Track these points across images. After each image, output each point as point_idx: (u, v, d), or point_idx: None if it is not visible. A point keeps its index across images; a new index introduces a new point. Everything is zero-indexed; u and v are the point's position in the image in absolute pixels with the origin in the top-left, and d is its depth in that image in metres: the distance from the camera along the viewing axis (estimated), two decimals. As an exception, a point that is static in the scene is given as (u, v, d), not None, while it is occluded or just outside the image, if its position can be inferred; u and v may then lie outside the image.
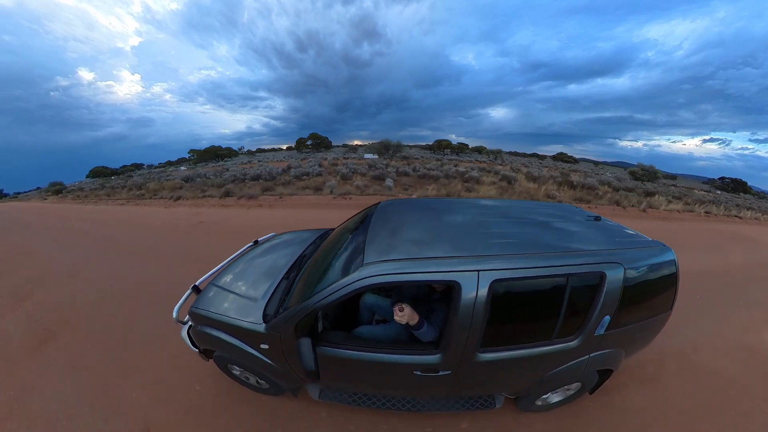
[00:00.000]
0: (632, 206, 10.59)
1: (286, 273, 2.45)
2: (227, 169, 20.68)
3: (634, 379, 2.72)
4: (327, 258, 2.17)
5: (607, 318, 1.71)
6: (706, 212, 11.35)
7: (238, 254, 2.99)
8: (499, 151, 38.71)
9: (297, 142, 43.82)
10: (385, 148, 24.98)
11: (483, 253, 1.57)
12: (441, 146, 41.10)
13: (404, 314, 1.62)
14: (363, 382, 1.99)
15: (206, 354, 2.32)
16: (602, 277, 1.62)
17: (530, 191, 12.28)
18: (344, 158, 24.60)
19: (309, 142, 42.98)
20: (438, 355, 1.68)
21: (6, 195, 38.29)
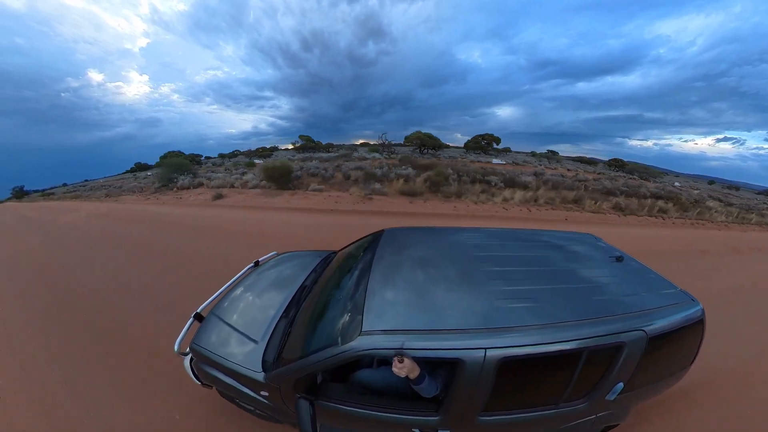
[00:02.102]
0: None
1: (285, 310, 2.42)
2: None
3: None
4: (325, 304, 2.12)
5: (621, 385, 1.60)
6: None
7: (239, 277, 2.97)
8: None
9: (473, 139, 36.67)
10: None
11: (491, 325, 1.45)
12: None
13: (404, 366, 1.50)
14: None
15: (208, 385, 2.33)
16: (622, 346, 1.47)
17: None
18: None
19: (484, 142, 36.30)
20: (437, 418, 1.63)
21: (27, 192, 34.77)
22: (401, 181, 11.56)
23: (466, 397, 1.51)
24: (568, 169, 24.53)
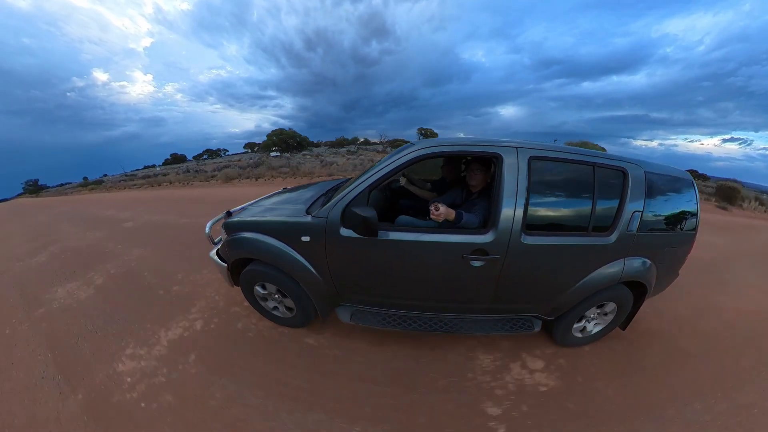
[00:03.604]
0: None
1: (325, 193, 2.53)
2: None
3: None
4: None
5: (637, 215, 1.85)
6: None
7: (269, 195, 3.11)
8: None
9: (577, 145, 33.14)
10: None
11: (521, 141, 1.83)
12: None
13: (440, 213, 1.69)
14: (406, 277, 1.94)
15: (233, 278, 2.32)
16: (625, 173, 1.85)
17: None
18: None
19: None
20: (488, 233, 1.75)
21: (43, 187, 31.90)
22: None
23: (509, 198, 1.72)
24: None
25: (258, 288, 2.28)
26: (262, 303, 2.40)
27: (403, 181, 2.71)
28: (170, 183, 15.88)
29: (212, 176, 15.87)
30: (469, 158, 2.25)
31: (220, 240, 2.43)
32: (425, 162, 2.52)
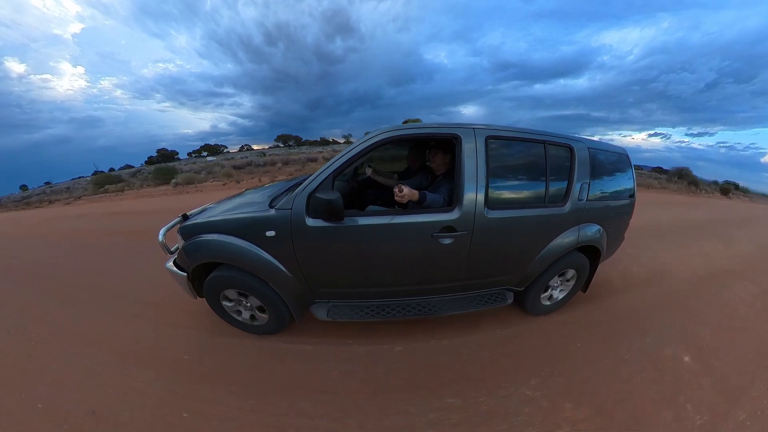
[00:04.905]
0: None
1: (289, 188, 2.42)
2: None
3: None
4: None
5: (585, 185, 2.05)
6: None
7: (230, 197, 2.91)
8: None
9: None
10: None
11: (476, 123, 1.91)
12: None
13: (404, 194, 1.70)
14: (378, 263, 1.90)
15: (195, 287, 2.12)
16: (571, 150, 2.03)
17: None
18: None
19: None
20: (454, 211, 1.77)
21: None
22: None
23: (471, 176, 1.76)
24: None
25: (226, 294, 2.08)
26: (231, 312, 2.18)
27: (369, 172, 2.68)
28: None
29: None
30: (431, 144, 2.29)
31: (177, 248, 2.20)
32: (391, 154, 2.48)
